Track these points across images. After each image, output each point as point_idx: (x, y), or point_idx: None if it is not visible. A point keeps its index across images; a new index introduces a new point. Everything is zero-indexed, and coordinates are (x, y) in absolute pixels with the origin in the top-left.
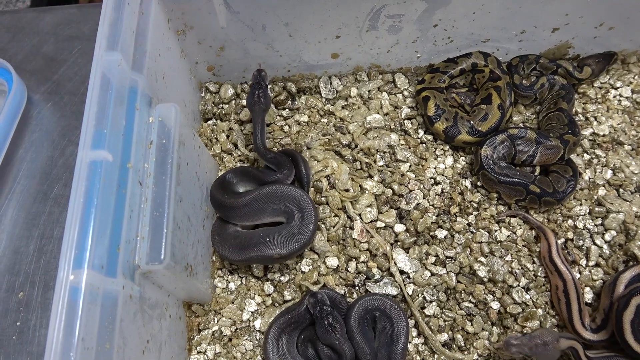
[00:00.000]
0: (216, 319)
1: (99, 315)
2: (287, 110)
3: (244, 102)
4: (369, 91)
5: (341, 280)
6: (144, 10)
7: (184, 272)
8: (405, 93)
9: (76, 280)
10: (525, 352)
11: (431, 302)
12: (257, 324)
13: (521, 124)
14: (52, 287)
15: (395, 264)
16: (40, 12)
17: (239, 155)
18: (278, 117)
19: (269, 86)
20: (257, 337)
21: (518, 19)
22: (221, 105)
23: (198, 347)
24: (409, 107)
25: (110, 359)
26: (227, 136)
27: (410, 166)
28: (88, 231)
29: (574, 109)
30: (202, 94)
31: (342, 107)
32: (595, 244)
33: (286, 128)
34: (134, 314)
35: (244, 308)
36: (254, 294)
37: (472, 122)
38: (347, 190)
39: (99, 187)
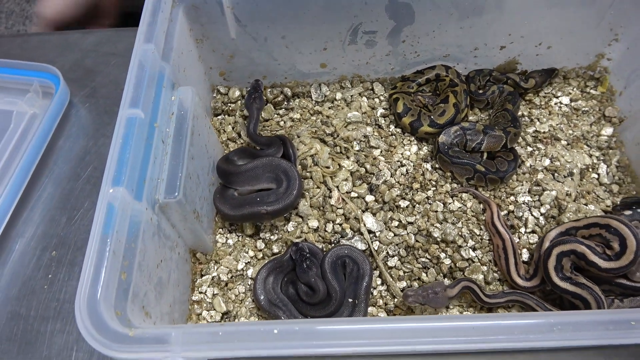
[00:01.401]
0: (216, 267)
1: (128, 221)
2: (283, 109)
3: None
4: (351, 96)
5: (320, 238)
6: (172, 18)
7: (192, 214)
8: (382, 98)
9: (114, 193)
10: (420, 301)
11: (393, 256)
12: (249, 272)
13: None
14: (80, 248)
15: (365, 225)
16: (84, 33)
17: (242, 143)
18: (276, 115)
19: (269, 89)
20: (249, 283)
21: (470, 38)
22: (229, 104)
23: (199, 288)
24: (383, 109)
25: (134, 254)
26: (233, 127)
27: (381, 152)
28: (123, 162)
29: (519, 112)
30: (214, 94)
31: (329, 108)
32: (532, 215)
33: (282, 123)
34: (152, 233)
35: (239, 260)
36: (248, 249)
37: (432, 116)
38: (328, 167)
39: (133, 134)
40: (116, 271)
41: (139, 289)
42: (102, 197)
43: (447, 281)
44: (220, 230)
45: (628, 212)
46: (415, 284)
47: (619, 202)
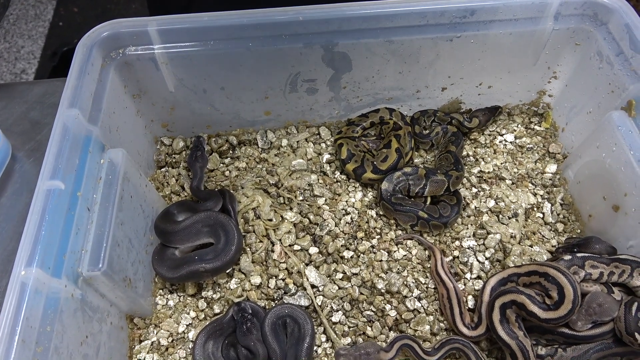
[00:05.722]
0: (155, 331)
1: (43, 304)
2: (229, 158)
3: None
4: (297, 142)
5: (263, 295)
6: (102, 79)
7: (122, 282)
8: (328, 142)
9: (26, 275)
10: None
11: (337, 310)
12: (191, 335)
13: (421, 164)
14: None
15: (307, 280)
16: (30, 84)
17: (186, 196)
18: (221, 165)
19: (214, 139)
20: (190, 346)
21: (411, 81)
22: (173, 155)
23: (138, 355)
24: (329, 154)
25: (49, 339)
26: (176, 180)
27: (325, 200)
28: (39, 240)
29: (463, 152)
30: (158, 146)
31: (275, 155)
32: (477, 260)
33: (227, 173)
34: (74, 310)
35: (180, 322)
36: (189, 310)
37: (375, 162)
38: (270, 220)
39: (51, 208)
40: None
41: None
42: (13, 281)
43: (388, 337)
44: (161, 291)
45: (568, 257)
46: (360, 339)
47: (563, 243)
